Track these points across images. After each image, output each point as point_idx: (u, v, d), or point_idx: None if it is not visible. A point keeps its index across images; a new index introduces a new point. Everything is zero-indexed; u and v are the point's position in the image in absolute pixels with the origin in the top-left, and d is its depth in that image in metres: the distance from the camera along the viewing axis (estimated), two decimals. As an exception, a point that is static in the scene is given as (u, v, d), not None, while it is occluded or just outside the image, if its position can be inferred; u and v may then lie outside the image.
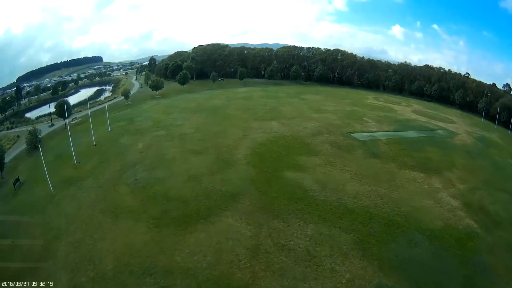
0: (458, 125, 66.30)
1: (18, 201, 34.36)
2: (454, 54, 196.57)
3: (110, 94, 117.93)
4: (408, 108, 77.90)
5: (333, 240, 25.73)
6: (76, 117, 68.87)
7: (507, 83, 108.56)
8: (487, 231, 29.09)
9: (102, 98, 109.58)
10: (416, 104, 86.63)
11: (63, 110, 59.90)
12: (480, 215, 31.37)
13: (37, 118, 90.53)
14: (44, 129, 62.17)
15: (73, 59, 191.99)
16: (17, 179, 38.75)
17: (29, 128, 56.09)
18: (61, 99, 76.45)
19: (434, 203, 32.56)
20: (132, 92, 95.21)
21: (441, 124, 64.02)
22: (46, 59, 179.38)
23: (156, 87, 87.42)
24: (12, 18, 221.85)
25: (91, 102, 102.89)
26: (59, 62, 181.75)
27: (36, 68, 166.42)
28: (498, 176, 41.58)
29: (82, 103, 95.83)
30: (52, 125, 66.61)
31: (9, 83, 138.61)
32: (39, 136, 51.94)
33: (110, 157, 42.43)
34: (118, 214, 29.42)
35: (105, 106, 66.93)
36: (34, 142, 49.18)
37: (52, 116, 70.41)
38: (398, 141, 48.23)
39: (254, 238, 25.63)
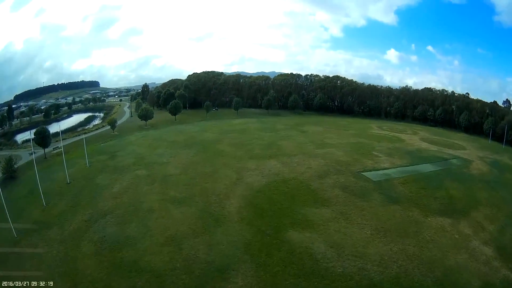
0: (469, 151, 62.08)
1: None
2: (449, 74, 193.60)
3: (100, 121, 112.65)
4: (415, 137, 73.32)
5: None
6: (58, 147, 62.70)
7: (507, 99, 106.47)
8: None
9: (91, 125, 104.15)
10: (422, 131, 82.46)
11: (42, 139, 55.51)
12: (515, 262, 27.57)
13: (23, 142, 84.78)
14: (25, 156, 57.54)
15: (71, 82, 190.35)
16: None
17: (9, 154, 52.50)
18: (41, 126, 70.58)
19: (469, 257, 28.31)
20: (121, 121, 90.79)
21: (452, 151, 59.38)
22: (44, 80, 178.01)
23: (145, 116, 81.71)
24: (12, 33, 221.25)
25: (79, 129, 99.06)
26: (56, 84, 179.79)
27: (34, 88, 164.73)
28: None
29: (69, 130, 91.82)
30: (34, 152, 60.99)
31: (6, 100, 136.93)
32: (15, 166, 47.82)
33: (81, 200, 37.18)
34: (77, 286, 23.88)
35: (90, 135, 61.51)
36: (10, 172, 45.79)
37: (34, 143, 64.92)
38: (415, 178, 42.70)
39: None
